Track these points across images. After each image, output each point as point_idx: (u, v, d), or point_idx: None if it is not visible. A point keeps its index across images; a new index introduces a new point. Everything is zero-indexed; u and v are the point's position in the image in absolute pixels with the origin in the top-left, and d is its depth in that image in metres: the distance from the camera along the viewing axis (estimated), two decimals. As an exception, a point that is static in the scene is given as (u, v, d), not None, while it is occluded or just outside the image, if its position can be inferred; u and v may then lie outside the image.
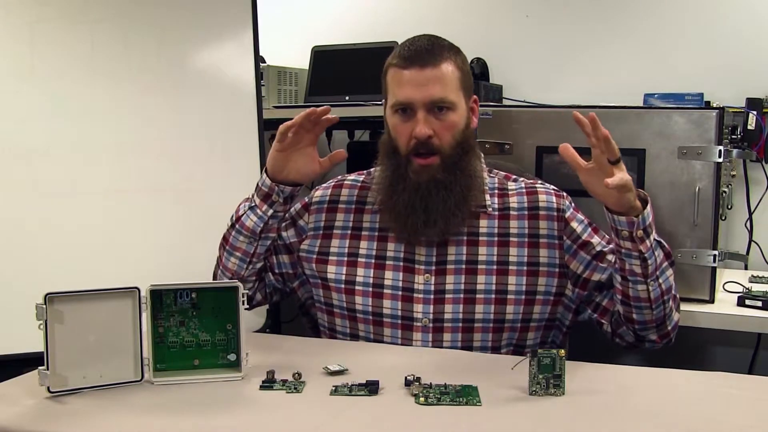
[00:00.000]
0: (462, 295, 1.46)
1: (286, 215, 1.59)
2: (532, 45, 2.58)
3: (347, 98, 2.50)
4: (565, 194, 1.55)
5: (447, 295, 1.46)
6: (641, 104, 2.27)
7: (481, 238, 1.49)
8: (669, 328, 1.43)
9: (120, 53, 1.94)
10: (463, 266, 1.46)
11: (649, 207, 1.33)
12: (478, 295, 1.45)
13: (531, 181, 1.60)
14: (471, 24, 2.66)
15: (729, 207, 2.00)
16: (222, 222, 1.92)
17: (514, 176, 1.60)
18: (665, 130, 1.78)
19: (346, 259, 1.53)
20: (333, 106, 2.47)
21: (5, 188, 1.84)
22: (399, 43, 2.52)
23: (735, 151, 1.86)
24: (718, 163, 1.74)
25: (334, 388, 1.16)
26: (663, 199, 1.79)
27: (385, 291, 1.48)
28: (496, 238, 1.49)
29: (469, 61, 2.47)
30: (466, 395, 1.12)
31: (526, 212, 1.51)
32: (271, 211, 1.48)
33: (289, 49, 2.76)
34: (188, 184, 1.95)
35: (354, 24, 2.79)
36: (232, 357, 1.26)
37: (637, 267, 1.34)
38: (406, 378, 1.16)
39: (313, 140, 1.50)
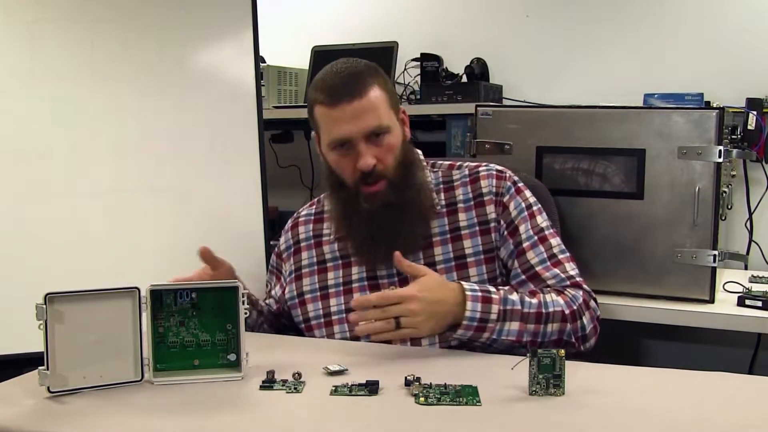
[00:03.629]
0: None
1: (271, 269, 1.68)
2: (532, 45, 2.58)
3: (347, 98, 2.50)
4: (507, 174, 1.55)
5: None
6: (641, 104, 2.27)
7: (434, 239, 1.51)
8: (578, 336, 1.44)
9: (120, 53, 1.94)
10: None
11: (463, 329, 1.35)
12: None
13: (474, 165, 1.58)
14: (471, 24, 2.66)
15: (729, 207, 2.00)
16: (222, 222, 1.93)
17: (457, 164, 1.60)
18: (665, 130, 1.78)
19: (319, 293, 1.57)
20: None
21: (5, 188, 1.84)
22: (399, 43, 2.56)
23: (735, 151, 1.86)
24: (718, 163, 1.74)
25: (334, 388, 1.16)
26: (663, 199, 1.79)
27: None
28: (448, 235, 1.51)
29: (469, 61, 2.49)
30: (466, 395, 1.12)
31: (472, 202, 1.53)
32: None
33: (289, 49, 2.76)
34: (188, 185, 1.95)
35: (354, 24, 2.79)
36: (232, 357, 1.26)
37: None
38: (406, 378, 1.16)
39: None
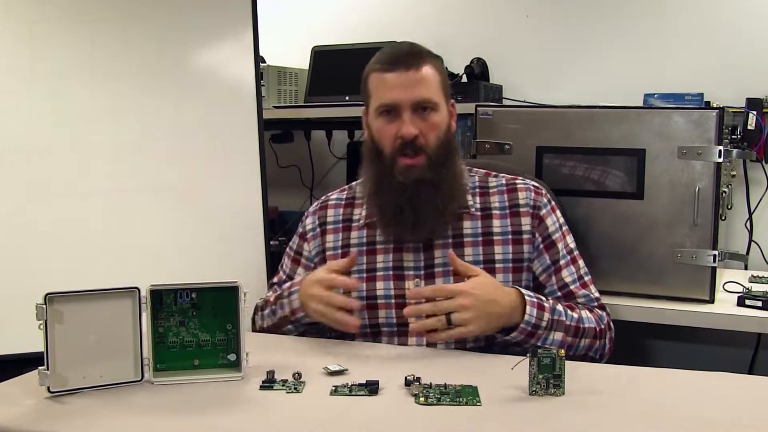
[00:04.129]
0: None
1: (290, 251, 1.65)
2: (532, 45, 2.58)
3: (347, 98, 2.50)
4: (544, 191, 1.58)
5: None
6: (641, 104, 2.27)
7: (466, 239, 1.51)
8: (600, 353, 1.48)
9: (120, 53, 1.94)
10: (451, 268, 1.46)
11: (518, 332, 1.38)
12: None
13: (511, 176, 1.60)
14: (471, 24, 2.66)
15: (729, 207, 2.00)
16: (222, 222, 1.93)
17: (493, 173, 1.61)
18: (665, 130, 1.78)
19: None
20: (333, 106, 2.50)
21: (5, 188, 1.84)
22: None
23: (735, 151, 1.86)
24: (718, 163, 1.74)
25: (334, 388, 1.16)
26: (663, 199, 1.79)
27: (379, 302, 1.50)
28: (480, 238, 1.51)
29: (469, 61, 2.49)
30: (466, 395, 1.12)
31: (507, 210, 1.54)
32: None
33: (289, 49, 2.76)
34: (188, 184, 1.95)
35: (354, 24, 2.78)
36: (232, 357, 1.26)
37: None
38: (406, 378, 1.16)
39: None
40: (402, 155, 1.46)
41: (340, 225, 1.60)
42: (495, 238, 1.51)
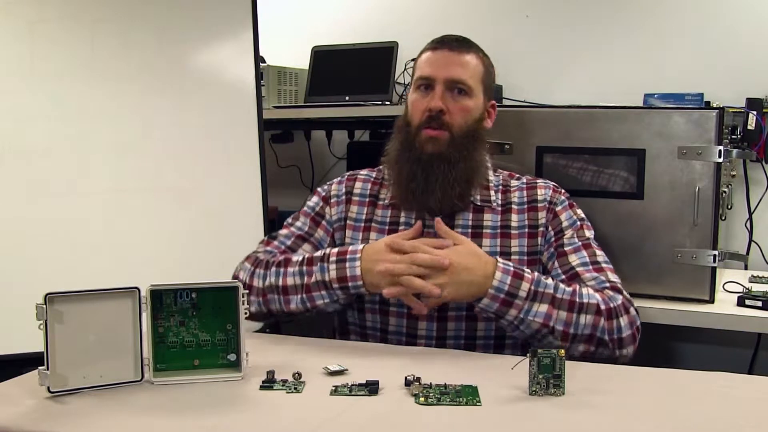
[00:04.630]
0: None
1: (309, 211, 1.63)
2: (532, 45, 2.57)
3: (347, 98, 2.50)
4: (563, 191, 1.61)
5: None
6: (641, 104, 2.27)
7: (485, 231, 1.54)
8: (604, 355, 1.40)
9: (120, 53, 1.94)
10: None
11: (489, 299, 1.35)
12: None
13: (533, 178, 1.66)
14: (471, 24, 2.65)
15: (729, 207, 2.00)
16: (222, 222, 1.92)
17: (517, 175, 1.66)
18: (665, 130, 1.78)
19: None
20: (333, 106, 2.50)
21: (5, 188, 1.84)
22: (399, 43, 2.56)
23: (735, 151, 1.86)
24: (718, 163, 1.74)
25: (334, 388, 1.16)
26: (663, 199, 1.79)
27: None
28: (499, 230, 1.54)
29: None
30: (466, 395, 1.12)
31: (525, 205, 1.58)
32: (348, 299, 1.49)
33: (289, 49, 2.75)
34: (188, 184, 1.95)
35: (354, 24, 2.78)
36: (232, 357, 1.26)
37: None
38: (406, 378, 1.16)
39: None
40: (427, 126, 1.50)
41: (367, 200, 1.62)
42: (512, 231, 1.54)
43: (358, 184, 1.64)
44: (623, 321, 1.40)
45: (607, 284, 1.46)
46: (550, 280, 1.40)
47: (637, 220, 1.81)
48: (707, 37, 2.35)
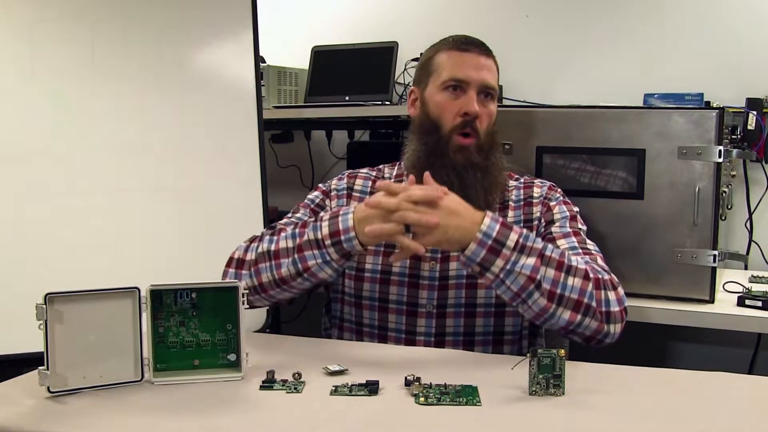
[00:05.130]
0: (465, 281, 1.50)
1: (309, 203, 1.61)
2: (532, 45, 2.58)
3: (347, 98, 2.50)
4: (559, 190, 1.62)
5: (450, 281, 1.51)
6: (641, 104, 2.27)
7: None
8: (587, 334, 1.35)
9: (120, 53, 1.94)
10: None
11: (477, 245, 1.27)
12: (480, 281, 1.46)
13: (531, 178, 1.67)
14: (471, 24, 2.63)
15: (729, 207, 2.00)
16: (222, 222, 1.92)
17: (516, 175, 1.66)
18: (665, 130, 1.78)
19: None
20: (333, 106, 2.50)
21: (5, 188, 1.84)
22: (399, 43, 2.56)
23: (735, 151, 1.86)
24: (718, 163, 1.74)
25: (334, 388, 1.16)
26: (663, 199, 1.79)
27: (392, 278, 1.52)
28: None
29: (470, 61, 2.49)
30: (466, 395, 1.12)
31: (522, 202, 1.59)
32: (347, 264, 1.43)
33: (289, 49, 2.75)
34: (188, 184, 1.95)
35: (354, 24, 2.79)
36: (232, 357, 1.26)
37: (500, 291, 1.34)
38: (406, 378, 1.16)
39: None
40: (460, 133, 1.50)
41: (367, 196, 1.58)
42: None
43: (359, 181, 1.64)
44: (611, 295, 1.35)
45: (596, 266, 1.41)
46: (539, 239, 1.35)
47: (636, 220, 1.81)
48: (707, 37, 2.35)
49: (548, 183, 1.63)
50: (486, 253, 1.28)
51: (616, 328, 1.35)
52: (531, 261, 1.29)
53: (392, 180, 1.62)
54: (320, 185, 1.67)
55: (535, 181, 1.63)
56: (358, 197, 1.61)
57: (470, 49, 1.53)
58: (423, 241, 1.30)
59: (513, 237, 1.29)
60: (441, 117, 1.51)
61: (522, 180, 1.63)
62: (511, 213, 1.57)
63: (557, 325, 1.34)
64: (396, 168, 1.66)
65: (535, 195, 1.59)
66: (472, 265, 1.30)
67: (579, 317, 1.32)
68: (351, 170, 1.69)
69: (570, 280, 1.31)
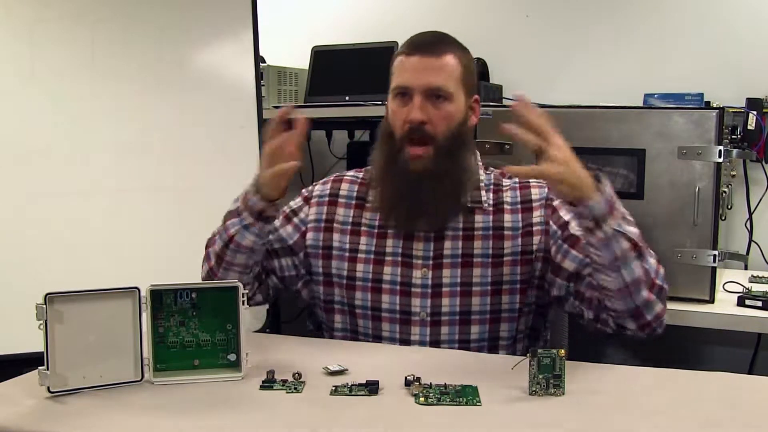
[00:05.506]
0: (458, 288, 1.47)
1: (287, 209, 1.60)
2: (532, 45, 2.58)
3: (347, 98, 2.50)
4: None
5: (444, 289, 1.48)
6: (641, 104, 2.27)
7: (476, 233, 1.50)
8: (649, 318, 1.35)
9: (120, 53, 1.94)
10: (459, 260, 1.47)
11: (601, 196, 1.27)
12: (474, 288, 1.46)
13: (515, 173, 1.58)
14: (471, 24, 2.66)
15: (729, 207, 2.00)
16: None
17: (508, 173, 1.56)
18: (665, 130, 1.78)
19: (347, 254, 1.53)
20: (333, 106, 2.51)
21: (5, 188, 1.84)
22: (399, 43, 2.56)
23: (735, 151, 1.86)
24: (718, 163, 1.74)
25: (334, 388, 1.16)
26: (663, 199, 1.79)
27: (384, 286, 1.50)
28: (491, 232, 1.50)
29: (469, 61, 2.49)
30: (466, 395, 1.12)
31: (519, 206, 1.53)
32: (267, 227, 1.47)
33: (289, 49, 2.76)
34: (188, 184, 1.95)
35: (354, 24, 2.79)
36: (232, 357, 1.26)
37: (595, 255, 1.31)
38: (406, 378, 1.16)
39: (293, 154, 1.46)
40: (410, 142, 1.45)
41: (354, 201, 1.58)
42: (505, 232, 1.50)
43: (344, 186, 1.60)
44: (657, 305, 1.35)
45: None
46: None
47: (636, 220, 1.81)
48: (707, 37, 2.35)
49: (544, 183, 1.56)
50: (607, 207, 1.27)
51: (661, 318, 1.36)
52: (632, 228, 1.30)
53: (358, 186, 1.58)
54: (303, 190, 1.64)
55: (530, 181, 1.58)
56: (344, 203, 1.58)
57: (414, 51, 1.46)
58: (550, 169, 1.27)
59: (619, 203, 1.30)
60: (393, 125, 1.47)
61: (516, 180, 1.57)
62: (508, 217, 1.52)
63: (632, 304, 1.32)
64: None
65: (534, 198, 1.54)
66: (588, 217, 1.27)
67: (654, 297, 1.33)
68: (338, 173, 1.66)
69: (651, 260, 1.32)
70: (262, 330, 1.95)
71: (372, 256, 1.52)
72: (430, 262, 1.49)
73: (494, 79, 2.55)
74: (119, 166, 1.91)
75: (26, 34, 1.88)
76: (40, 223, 1.85)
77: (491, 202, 1.53)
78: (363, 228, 1.54)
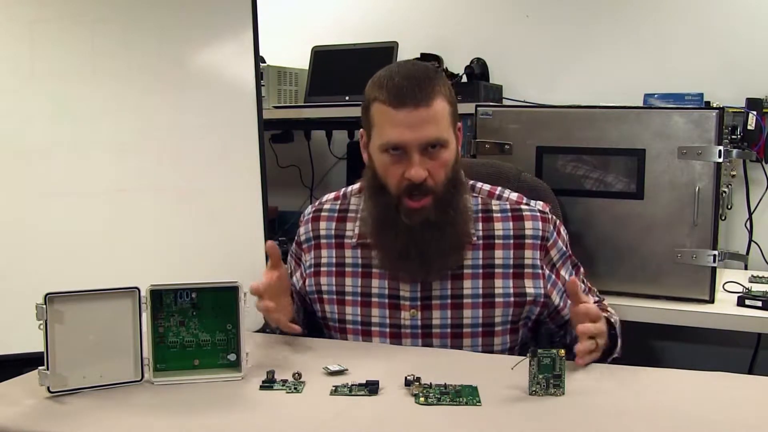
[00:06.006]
0: (449, 330, 1.45)
1: (291, 254, 1.64)
2: (532, 45, 2.58)
3: (347, 98, 2.50)
4: (551, 216, 1.51)
5: (434, 330, 1.45)
6: (641, 104, 2.27)
7: (465, 271, 1.45)
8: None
9: (120, 53, 1.94)
10: (449, 301, 1.45)
11: (621, 342, 1.43)
12: (465, 329, 1.45)
13: (515, 199, 1.51)
14: (471, 24, 2.66)
15: (729, 207, 2.00)
16: (222, 222, 1.91)
17: (497, 191, 1.53)
18: (665, 130, 1.78)
19: (335, 297, 1.52)
20: (333, 106, 2.51)
21: (5, 188, 1.84)
22: (399, 43, 2.56)
23: (735, 151, 1.86)
24: (718, 163, 1.74)
25: (334, 388, 1.16)
26: (663, 199, 1.79)
27: (374, 329, 1.48)
28: (480, 270, 1.46)
29: (469, 61, 2.49)
30: (466, 395, 1.12)
31: (511, 241, 1.47)
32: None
33: (289, 49, 2.76)
34: (188, 184, 1.95)
35: (354, 24, 2.79)
36: (232, 357, 1.27)
37: None
38: (406, 378, 1.16)
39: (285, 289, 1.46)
40: (408, 197, 1.38)
41: (333, 241, 1.54)
42: (496, 270, 1.45)
43: (322, 225, 1.56)
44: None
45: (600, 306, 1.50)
46: (613, 312, 1.51)
47: (637, 220, 1.81)
48: (707, 37, 2.35)
49: (537, 209, 1.49)
50: (621, 345, 1.44)
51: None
52: (619, 340, 1.44)
53: (355, 241, 1.51)
54: (297, 232, 1.62)
55: (522, 208, 1.49)
56: (325, 244, 1.54)
57: (403, 104, 1.34)
58: (587, 359, 1.29)
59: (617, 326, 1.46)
60: (386, 180, 1.40)
61: (507, 204, 1.49)
62: (498, 253, 1.46)
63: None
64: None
65: (527, 234, 1.46)
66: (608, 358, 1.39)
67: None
68: (315, 207, 1.59)
69: (617, 324, 1.49)
70: (262, 330, 1.95)
71: (359, 298, 1.49)
72: (419, 303, 1.46)
73: (494, 79, 2.55)
74: (119, 166, 1.91)
75: (26, 34, 1.88)
76: (40, 223, 1.85)
77: (481, 234, 1.47)
78: (347, 269, 1.52)
